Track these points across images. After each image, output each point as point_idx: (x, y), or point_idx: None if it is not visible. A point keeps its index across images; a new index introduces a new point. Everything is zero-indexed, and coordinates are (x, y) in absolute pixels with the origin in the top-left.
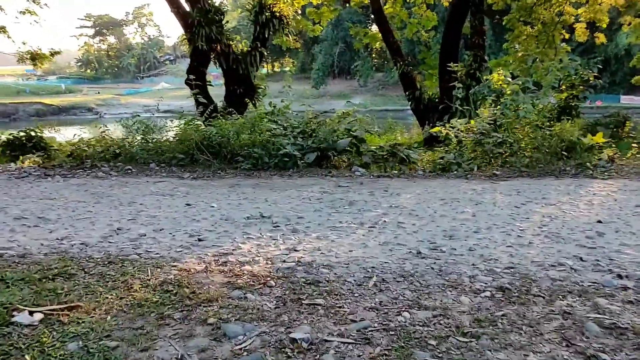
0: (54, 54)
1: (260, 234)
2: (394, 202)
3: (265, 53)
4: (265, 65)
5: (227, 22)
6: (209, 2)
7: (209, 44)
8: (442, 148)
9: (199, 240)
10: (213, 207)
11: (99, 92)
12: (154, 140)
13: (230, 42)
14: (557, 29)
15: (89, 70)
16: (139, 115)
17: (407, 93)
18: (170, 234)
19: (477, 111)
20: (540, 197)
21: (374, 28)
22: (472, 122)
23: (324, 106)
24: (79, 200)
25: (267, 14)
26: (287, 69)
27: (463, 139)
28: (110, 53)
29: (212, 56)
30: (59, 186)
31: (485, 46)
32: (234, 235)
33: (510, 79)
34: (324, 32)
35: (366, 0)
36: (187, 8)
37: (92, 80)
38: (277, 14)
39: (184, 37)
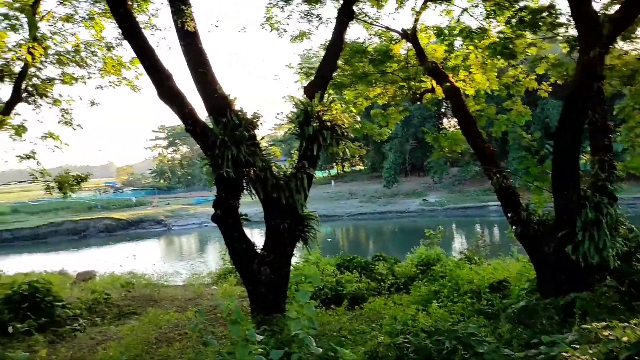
0: (80, 180)
1: None
2: None
3: (315, 174)
4: (336, 166)
5: (263, 137)
6: (240, 112)
7: (238, 169)
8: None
9: None
10: None
11: (168, 203)
12: None
13: (268, 164)
14: None
15: (162, 181)
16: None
17: (509, 215)
18: None
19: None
20: None
21: (445, 122)
22: None
23: (397, 206)
24: None
25: (315, 124)
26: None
27: None
28: (183, 162)
29: (245, 183)
30: None
31: (612, 147)
32: None
33: None
34: (393, 129)
35: (440, 95)
36: (210, 122)
37: (165, 190)
38: (329, 124)
39: (205, 161)
